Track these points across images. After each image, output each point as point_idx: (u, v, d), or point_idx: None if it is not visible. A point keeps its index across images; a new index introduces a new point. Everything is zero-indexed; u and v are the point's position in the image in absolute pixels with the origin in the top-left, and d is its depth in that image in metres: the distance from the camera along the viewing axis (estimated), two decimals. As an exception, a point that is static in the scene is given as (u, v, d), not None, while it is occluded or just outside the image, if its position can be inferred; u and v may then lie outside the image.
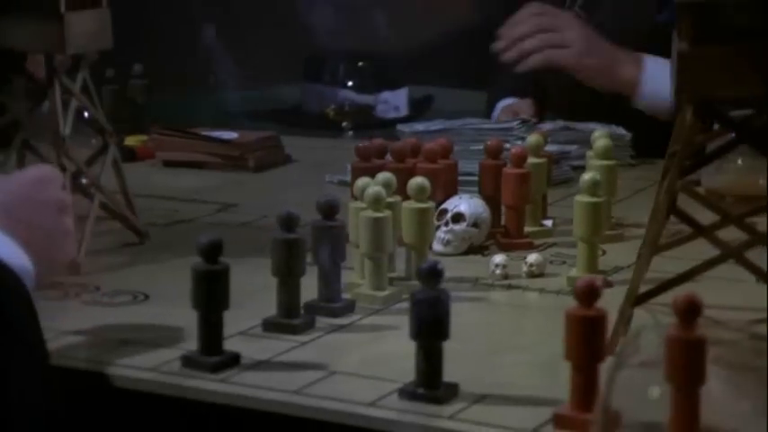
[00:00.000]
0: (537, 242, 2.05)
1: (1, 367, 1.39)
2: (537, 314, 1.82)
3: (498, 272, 1.86)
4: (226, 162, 2.58)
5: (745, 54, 1.57)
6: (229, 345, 1.56)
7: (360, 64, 3.07)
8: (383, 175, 1.83)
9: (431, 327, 1.41)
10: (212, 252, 1.51)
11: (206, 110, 2.90)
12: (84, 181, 1.98)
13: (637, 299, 1.59)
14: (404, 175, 1.95)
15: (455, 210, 1.99)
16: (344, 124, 2.51)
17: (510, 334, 1.73)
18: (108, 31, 1.98)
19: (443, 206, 2.00)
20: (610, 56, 2.74)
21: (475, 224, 1.98)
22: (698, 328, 1.11)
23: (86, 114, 2.06)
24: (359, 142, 2.14)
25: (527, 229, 2.07)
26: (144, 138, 2.72)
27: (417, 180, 1.79)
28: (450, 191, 2.07)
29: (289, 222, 1.63)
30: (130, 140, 2.68)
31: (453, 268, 1.90)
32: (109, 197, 2.00)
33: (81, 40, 1.90)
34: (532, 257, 1.88)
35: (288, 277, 1.65)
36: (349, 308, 1.73)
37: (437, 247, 1.98)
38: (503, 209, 2.07)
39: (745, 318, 1.67)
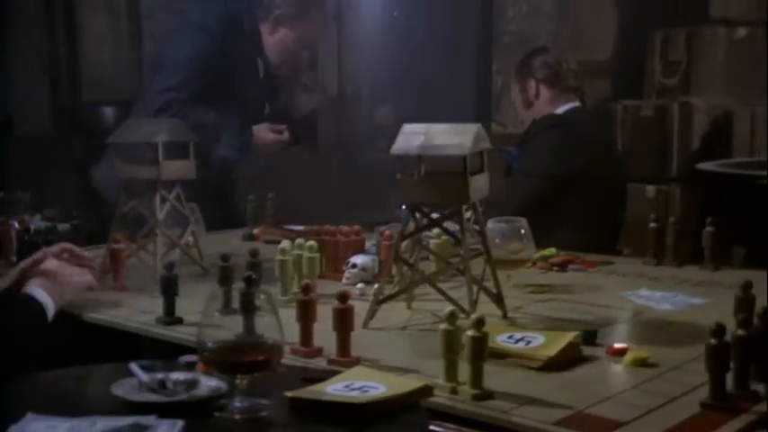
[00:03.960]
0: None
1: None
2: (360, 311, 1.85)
3: (357, 292, 2.13)
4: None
5: (427, 182, 1.91)
6: (190, 315, 1.91)
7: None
8: (299, 240, 2.15)
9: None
10: (169, 268, 1.95)
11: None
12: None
13: (378, 301, 1.95)
14: (331, 245, 2.36)
15: (353, 261, 2.28)
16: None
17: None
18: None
19: (349, 259, 2.30)
20: None
21: (363, 269, 2.26)
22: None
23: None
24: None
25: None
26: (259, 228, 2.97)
27: (309, 243, 2.16)
28: (358, 251, 2.35)
29: (224, 258, 1.98)
30: (255, 230, 2.95)
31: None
32: (186, 249, 2.35)
33: (174, 174, 2.30)
34: (377, 285, 2.03)
35: (224, 285, 1.89)
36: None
37: (344, 280, 2.26)
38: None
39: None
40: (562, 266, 2.50)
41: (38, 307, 1.87)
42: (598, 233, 3.00)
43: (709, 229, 2.46)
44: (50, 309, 1.90)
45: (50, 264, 2.02)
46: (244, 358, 1.37)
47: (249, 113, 3.31)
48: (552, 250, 2.59)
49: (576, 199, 2.97)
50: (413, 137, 1.88)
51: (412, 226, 1.93)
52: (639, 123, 4.55)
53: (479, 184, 1.90)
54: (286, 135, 3.27)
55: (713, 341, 1.47)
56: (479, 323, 1.49)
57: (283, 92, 3.50)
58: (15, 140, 3.47)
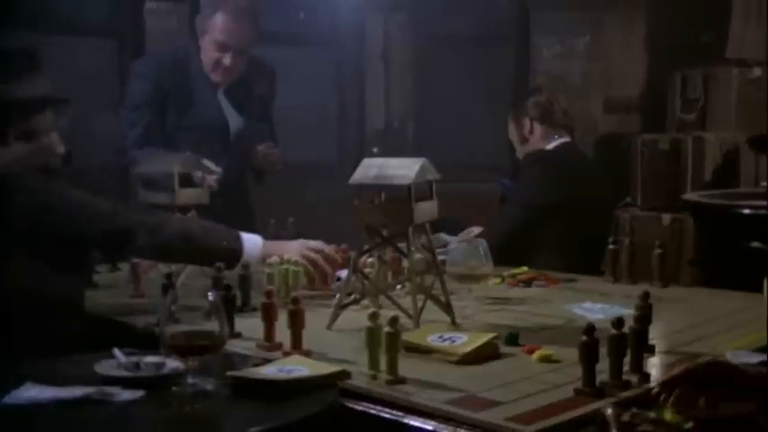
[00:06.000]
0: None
1: None
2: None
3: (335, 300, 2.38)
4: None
5: (380, 208, 2.21)
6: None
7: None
8: (287, 256, 2.48)
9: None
10: (169, 277, 2.27)
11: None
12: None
13: (340, 307, 2.24)
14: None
15: (338, 275, 2.54)
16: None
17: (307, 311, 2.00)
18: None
19: (336, 273, 2.58)
20: None
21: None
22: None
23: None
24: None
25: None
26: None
27: (294, 259, 2.48)
28: (345, 267, 2.51)
29: (217, 269, 2.31)
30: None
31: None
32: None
33: (188, 199, 2.66)
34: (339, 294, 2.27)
35: (219, 288, 2.19)
36: (252, 307, 2.34)
37: (333, 289, 2.50)
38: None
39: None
40: (527, 282, 2.76)
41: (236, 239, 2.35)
42: (581, 256, 3.24)
43: (657, 251, 2.70)
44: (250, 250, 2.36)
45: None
46: (191, 344, 1.68)
47: (213, 138, 3.49)
48: (524, 268, 2.86)
49: (560, 225, 3.23)
50: (370, 169, 2.18)
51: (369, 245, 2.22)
52: (657, 156, 4.77)
53: (426, 209, 2.19)
54: (212, 181, 3.01)
55: (584, 338, 1.74)
56: (393, 321, 1.78)
57: (254, 108, 3.66)
58: (78, 172, 3.83)
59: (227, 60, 3.48)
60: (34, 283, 2.14)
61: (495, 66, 5.75)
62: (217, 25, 3.45)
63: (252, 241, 2.43)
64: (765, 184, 3.83)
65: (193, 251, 2.30)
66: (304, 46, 5.62)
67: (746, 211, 3.31)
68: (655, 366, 1.90)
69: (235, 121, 3.60)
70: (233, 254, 2.36)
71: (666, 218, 4.71)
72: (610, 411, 1.35)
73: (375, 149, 5.38)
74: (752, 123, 4.76)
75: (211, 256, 2.30)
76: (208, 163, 3.00)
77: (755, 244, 3.22)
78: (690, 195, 3.85)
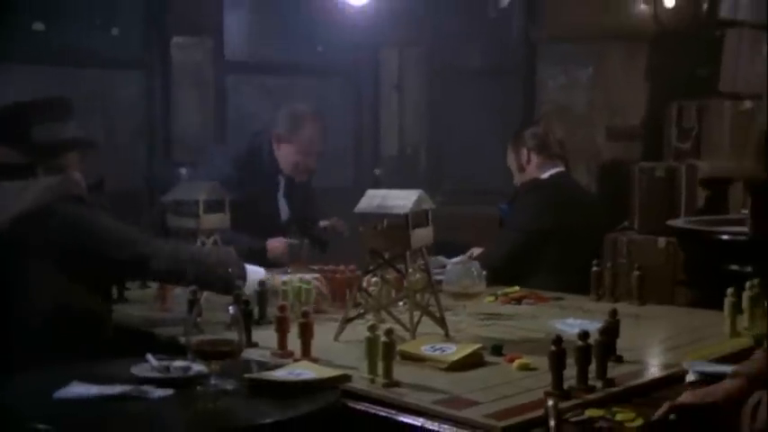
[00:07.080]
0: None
1: None
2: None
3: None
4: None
5: (381, 233, 2.46)
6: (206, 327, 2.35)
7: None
8: (299, 275, 2.75)
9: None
10: (194, 293, 2.54)
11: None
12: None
13: (345, 321, 2.50)
14: (333, 280, 2.92)
15: None
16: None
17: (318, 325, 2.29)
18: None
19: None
20: None
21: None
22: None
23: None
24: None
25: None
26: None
27: (306, 277, 2.74)
28: (353, 285, 2.77)
29: (239, 287, 2.55)
30: (289, 269, 3.37)
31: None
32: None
33: (212, 224, 2.95)
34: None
35: (239, 303, 2.51)
36: (268, 320, 2.56)
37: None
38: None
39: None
40: (518, 300, 3.01)
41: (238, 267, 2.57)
42: (576, 278, 3.46)
43: (636, 272, 2.95)
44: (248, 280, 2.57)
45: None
46: (214, 350, 1.94)
47: (268, 224, 3.81)
48: (515, 288, 3.11)
49: (554, 249, 3.47)
50: (373, 199, 2.44)
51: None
52: (653, 183, 5.01)
53: (422, 235, 2.44)
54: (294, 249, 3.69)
55: (553, 348, 1.99)
56: (389, 332, 2.04)
57: (301, 196, 4.00)
58: (109, 195, 4.11)
59: (311, 163, 3.88)
60: (65, 297, 2.41)
61: (503, 96, 6.00)
62: (304, 136, 3.82)
63: (254, 271, 2.66)
64: (744, 211, 4.06)
65: (202, 277, 2.51)
66: (322, 77, 5.91)
67: (725, 237, 3.55)
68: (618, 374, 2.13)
69: (285, 212, 3.98)
70: (235, 281, 2.59)
71: (662, 241, 4.93)
72: (551, 403, 1.59)
73: (377, 171, 5.65)
74: (743, 153, 5.00)
75: (216, 281, 2.54)
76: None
77: (733, 267, 3.46)
78: (675, 221, 4.09)
